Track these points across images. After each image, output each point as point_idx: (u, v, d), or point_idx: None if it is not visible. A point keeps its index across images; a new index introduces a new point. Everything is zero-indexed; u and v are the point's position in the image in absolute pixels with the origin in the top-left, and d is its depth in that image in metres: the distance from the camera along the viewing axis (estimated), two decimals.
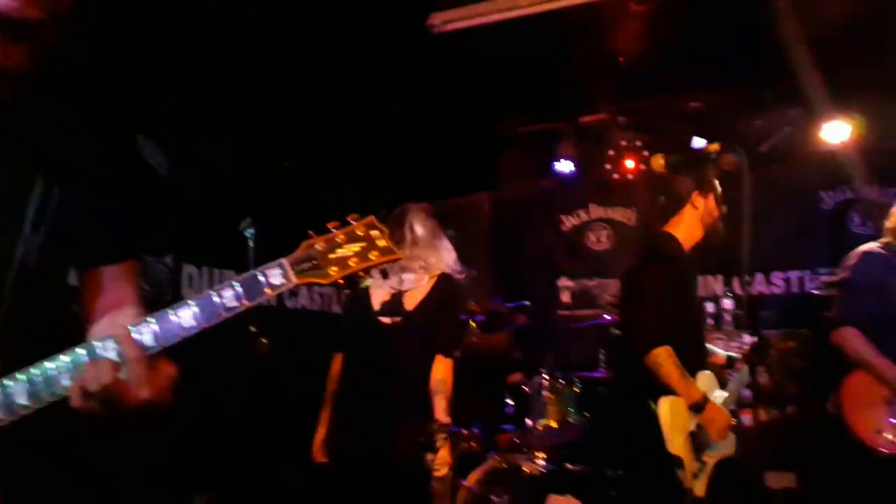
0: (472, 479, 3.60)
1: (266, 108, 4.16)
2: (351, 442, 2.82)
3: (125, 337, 1.28)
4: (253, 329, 3.23)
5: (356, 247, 1.46)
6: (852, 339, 2.83)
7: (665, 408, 2.64)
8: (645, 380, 2.69)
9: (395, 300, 2.93)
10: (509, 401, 4.00)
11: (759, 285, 4.94)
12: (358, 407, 2.85)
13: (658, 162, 3.46)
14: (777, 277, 4.97)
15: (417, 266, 2.90)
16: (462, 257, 3.07)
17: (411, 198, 5.96)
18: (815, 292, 3.98)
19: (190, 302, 1.36)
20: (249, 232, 3.28)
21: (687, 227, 2.93)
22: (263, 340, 3.26)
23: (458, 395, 4.15)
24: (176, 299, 3.10)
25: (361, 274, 1.51)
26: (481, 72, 4.66)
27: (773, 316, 4.47)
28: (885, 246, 2.95)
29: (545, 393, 3.79)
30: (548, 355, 4.09)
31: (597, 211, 5.69)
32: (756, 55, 4.33)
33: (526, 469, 3.52)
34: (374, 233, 1.48)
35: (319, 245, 1.46)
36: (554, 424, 3.73)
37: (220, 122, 3.96)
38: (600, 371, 4.12)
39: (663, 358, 2.64)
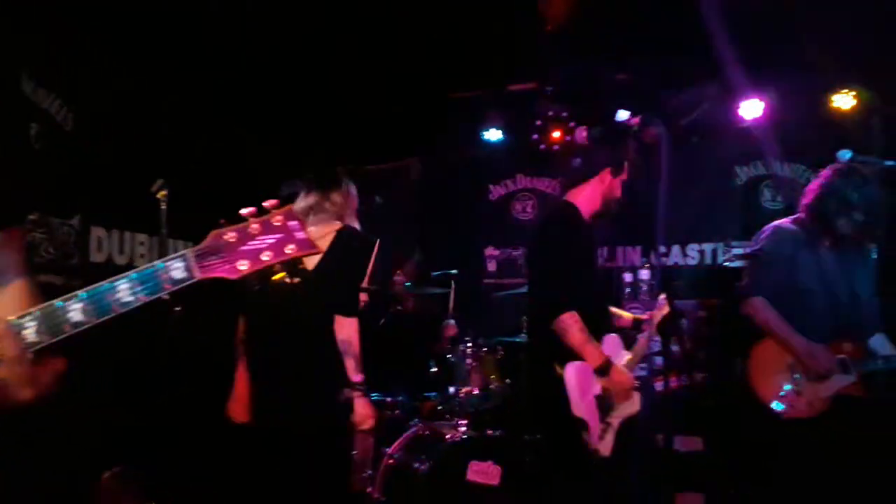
0: (394, 446, 3.61)
1: (188, 65, 3.94)
2: (262, 408, 2.77)
3: (4, 334, 1.19)
4: (165, 297, 3.08)
5: (271, 238, 1.34)
6: (761, 309, 2.95)
7: (570, 372, 2.72)
8: (552, 344, 2.76)
9: (294, 259, 2.83)
10: (433, 368, 4.02)
11: (675, 257, 5.12)
12: (264, 373, 2.79)
13: (581, 133, 3.51)
14: (693, 249, 5.16)
15: (333, 220, 2.85)
16: (390, 222, 3.04)
17: (339, 162, 5.85)
18: (727, 264, 4.13)
19: (82, 294, 1.26)
20: (162, 194, 3.12)
21: (587, 197, 2.99)
22: (177, 308, 3.14)
23: (383, 362, 4.16)
24: (83, 263, 2.94)
25: (276, 268, 1.40)
26: (412, 36, 4.57)
27: (686, 286, 4.66)
28: (797, 221, 3.08)
29: (468, 360, 3.82)
30: (471, 323, 4.13)
31: (523, 181, 5.74)
32: (678, 29, 4.41)
33: (448, 436, 3.55)
34: (293, 223, 1.36)
35: (230, 236, 1.33)
36: (476, 391, 3.78)
37: (135, 77, 3.73)
38: (522, 337, 4.18)
39: (569, 323, 2.72)
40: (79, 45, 3.42)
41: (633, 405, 2.85)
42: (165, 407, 3.58)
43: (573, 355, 2.74)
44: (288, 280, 2.80)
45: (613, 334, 3.00)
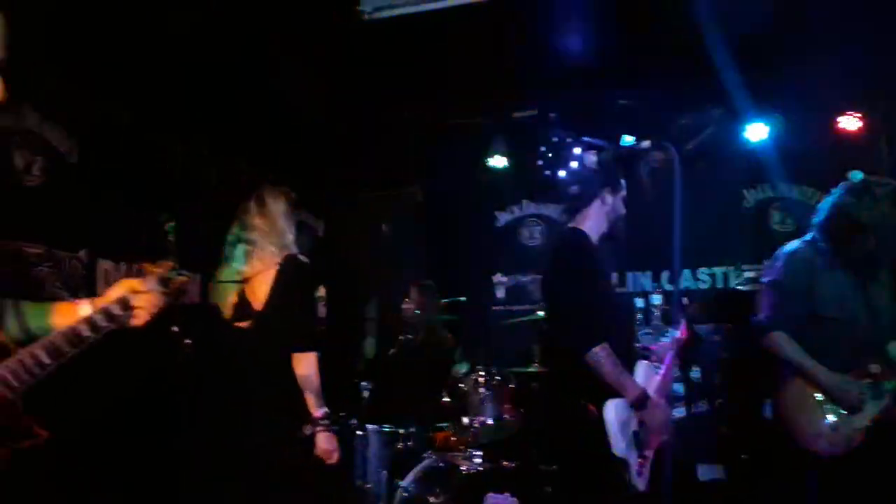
0: (408, 479, 3.52)
1: (192, 98, 3.93)
2: (238, 451, 2.76)
3: None
4: (175, 329, 3.03)
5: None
6: (783, 344, 2.88)
7: (610, 411, 2.60)
8: (581, 379, 2.64)
9: (243, 300, 2.82)
10: (445, 398, 3.94)
11: (685, 281, 5.08)
12: (241, 415, 2.78)
13: (591, 158, 3.48)
14: (703, 273, 5.12)
15: (267, 247, 2.81)
16: (395, 250, 3.03)
17: (343, 189, 5.84)
18: (740, 288, 4.09)
19: None
20: (170, 225, 3.07)
21: (592, 221, 2.93)
22: (187, 341, 3.08)
23: (394, 392, 4.09)
24: (91, 296, 2.92)
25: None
26: (414, 62, 4.57)
27: (698, 311, 4.60)
28: (809, 243, 3.03)
29: (481, 389, 3.75)
30: (482, 351, 4.06)
31: (530, 206, 5.72)
32: (681, 55, 4.43)
33: (463, 467, 3.47)
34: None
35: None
36: (490, 421, 3.70)
37: (140, 109, 3.72)
38: (534, 366, 4.12)
39: (601, 356, 2.60)
40: (83, 78, 3.40)
41: (663, 435, 2.76)
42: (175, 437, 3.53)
43: (605, 389, 2.62)
44: (236, 324, 2.80)
45: (644, 361, 2.88)
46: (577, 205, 3.00)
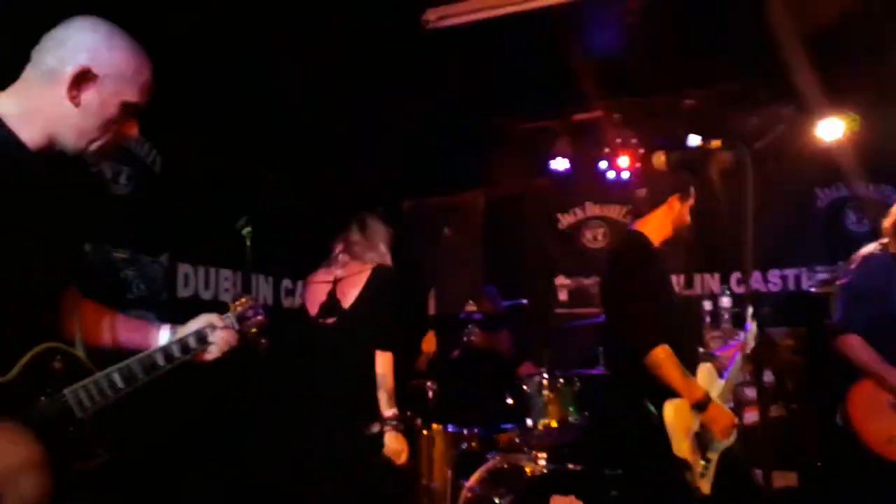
0: (473, 479, 3.57)
1: (262, 104, 4.10)
2: (306, 447, 2.91)
3: None
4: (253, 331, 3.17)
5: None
6: (857, 347, 2.82)
7: (670, 411, 2.60)
8: (642, 380, 2.65)
9: (332, 299, 3.09)
10: (509, 400, 3.97)
11: (756, 283, 4.95)
12: (311, 412, 2.97)
13: (659, 159, 3.44)
14: (774, 275, 4.99)
15: (365, 256, 3.11)
16: (457, 255, 3.17)
17: (406, 195, 5.94)
18: (813, 290, 3.98)
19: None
20: (247, 230, 3.22)
21: (656, 225, 2.91)
22: (263, 340, 3.21)
23: (458, 394, 4.15)
24: (171, 299, 3.12)
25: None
26: (476, 68, 4.63)
27: (770, 314, 4.48)
28: (885, 248, 2.95)
29: (545, 392, 3.76)
30: (545, 354, 4.07)
31: (593, 209, 5.70)
32: (750, 51, 4.33)
33: (528, 469, 3.49)
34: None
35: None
36: (554, 423, 3.71)
37: (219, 121, 3.90)
38: (599, 369, 4.10)
39: (662, 358, 2.60)
40: (165, 94, 3.59)
41: (730, 439, 2.73)
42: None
43: (667, 391, 2.62)
44: (322, 320, 3.05)
45: (707, 364, 2.86)
46: (642, 208, 2.99)
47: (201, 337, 1.82)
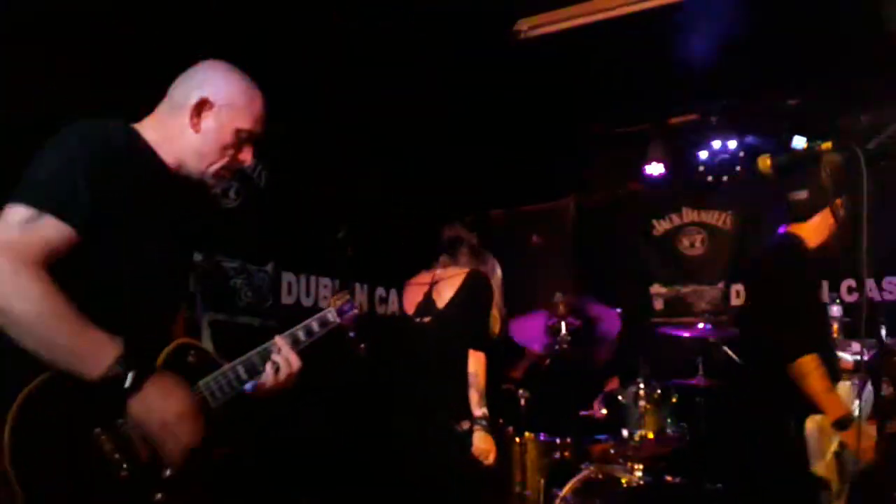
0: (567, 489, 3.55)
1: (359, 118, 4.26)
2: (399, 444, 3.05)
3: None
4: (351, 334, 3.29)
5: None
6: None
7: (812, 426, 2.49)
8: (779, 392, 2.54)
9: (428, 299, 3.24)
10: (603, 410, 3.93)
11: (869, 291, 4.67)
12: (402, 409, 3.11)
13: (765, 163, 3.30)
14: (890, 283, 4.69)
15: (469, 263, 3.30)
16: (548, 262, 3.30)
17: (497, 203, 5.97)
18: None
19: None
20: (347, 240, 3.36)
21: (814, 230, 2.78)
22: (362, 346, 3.32)
23: (550, 403, 4.14)
24: (276, 305, 3.39)
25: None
26: (568, 75, 4.62)
27: (885, 323, 4.21)
28: None
29: (641, 402, 3.70)
30: (642, 364, 3.99)
31: (690, 214, 5.52)
32: (858, 46, 4.11)
33: (623, 480, 3.44)
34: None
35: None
36: (651, 435, 3.63)
37: (318, 137, 4.09)
38: (698, 379, 3.99)
39: (810, 368, 2.47)
40: (269, 112, 3.80)
41: (867, 459, 2.59)
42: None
43: (806, 403, 2.50)
44: (418, 319, 3.23)
45: (848, 382, 2.70)
46: (801, 211, 2.86)
47: (309, 330, 1.97)
